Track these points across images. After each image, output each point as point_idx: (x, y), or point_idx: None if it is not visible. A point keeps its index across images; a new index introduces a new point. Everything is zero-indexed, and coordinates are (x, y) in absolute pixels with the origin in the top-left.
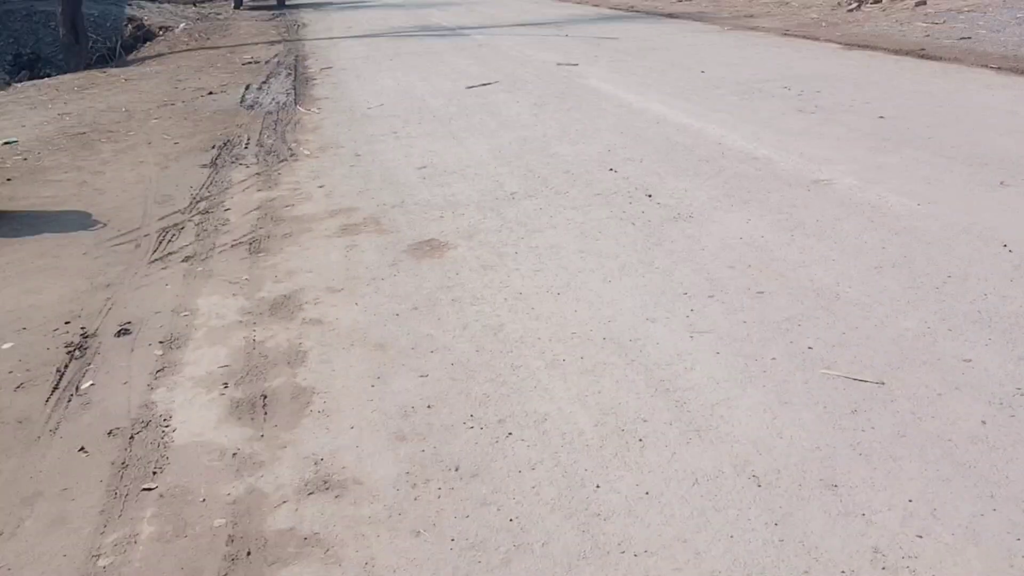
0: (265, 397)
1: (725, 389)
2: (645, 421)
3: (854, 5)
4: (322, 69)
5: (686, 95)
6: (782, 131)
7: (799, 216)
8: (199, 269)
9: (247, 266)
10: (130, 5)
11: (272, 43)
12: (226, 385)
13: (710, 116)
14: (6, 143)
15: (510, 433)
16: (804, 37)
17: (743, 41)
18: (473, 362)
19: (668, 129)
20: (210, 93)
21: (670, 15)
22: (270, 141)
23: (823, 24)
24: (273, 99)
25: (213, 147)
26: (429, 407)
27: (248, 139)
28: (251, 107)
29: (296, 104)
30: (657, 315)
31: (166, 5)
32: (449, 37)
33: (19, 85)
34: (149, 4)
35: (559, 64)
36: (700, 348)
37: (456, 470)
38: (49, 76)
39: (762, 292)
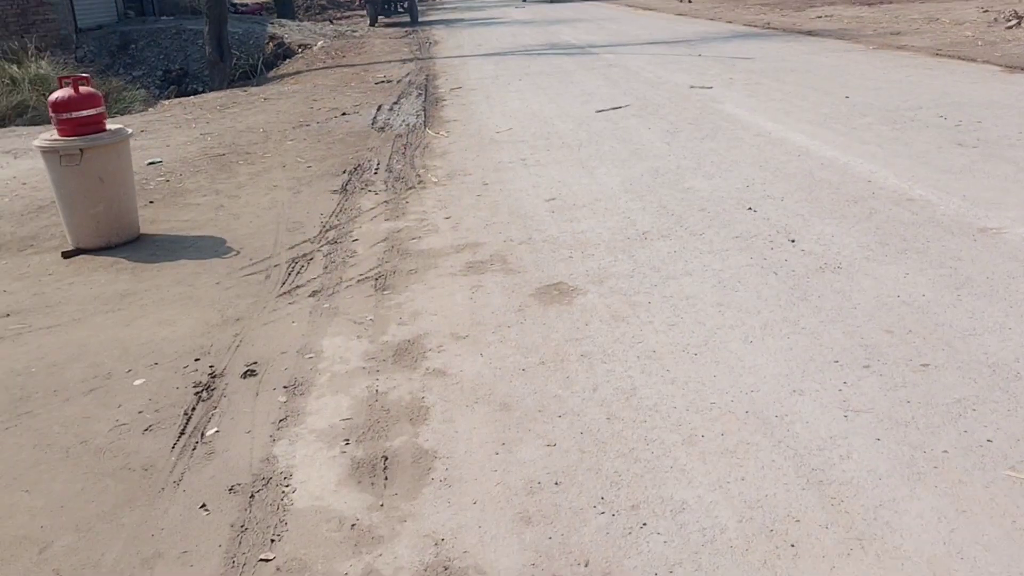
0: (386, 459)
1: (889, 487)
2: (797, 521)
3: (1014, 21)
4: (452, 89)
5: (830, 124)
6: (940, 168)
7: (965, 271)
8: (325, 306)
9: (372, 304)
10: (272, 24)
11: (404, 61)
12: (347, 441)
13: (857, 149)
14: (151, 163)
15: (644, 524)
16: (959, 58)
17: (890, 62)
18: (604, 432)
19: (811, 163)
20: (343, 114)
21: (809, 32)
22: (399, 166)
23: (979, 43)
24: (403, 121)
25: (344, 172)
26: (556, 484)
27: (377, 164)
28: (382, 129)
29: (425, 127)
30: (805, 386)
31: (306, 23)
32: (578, 56)
33: (165, 103)
34: (290, 23)
35: (692, 87)
36: (857, 431)
37: (585, 565)
38: (195, 91)
39: (926, 365)
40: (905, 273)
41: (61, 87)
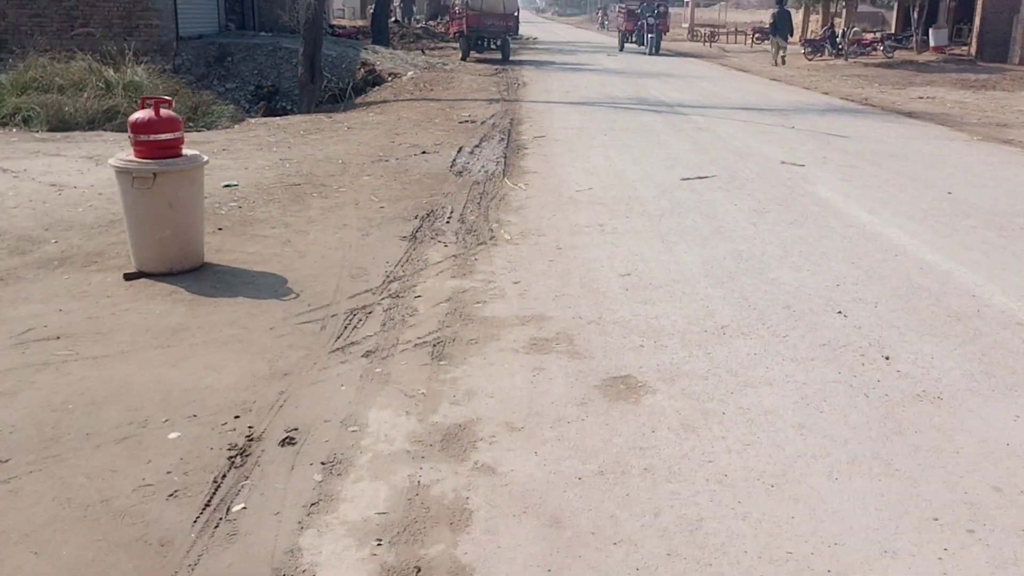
0: (419, 571)
1: None
2: None
3: None
4: (535, 137)
5: (930, 221)
6: None
7: None
8: (377, 370)
9: (426, 375)
10: (366, 49)
11: (491, 101)
12: (379, 542)
13: (960, 255)
14: (227, 186)
15: None
16: None
17: (996, 156)
18: (662, 571)
19: (908, 265)
20: (423, 152)
21: (909, 114)
22: (472, 217)
23: None
24: (483, 167)
25: (416, 216)
26: None
27: (451, 212)
28: (460, 173)
29: (504, 176)
30: (899, 547)
31: (399, 52)
32: (666, 114)
33: (252, 120)
34: (383, 50)
35: (783, 162)
36: None
37: None
38: (284, 109)
39: None
40: (1016, 415)
41: (143, 107)
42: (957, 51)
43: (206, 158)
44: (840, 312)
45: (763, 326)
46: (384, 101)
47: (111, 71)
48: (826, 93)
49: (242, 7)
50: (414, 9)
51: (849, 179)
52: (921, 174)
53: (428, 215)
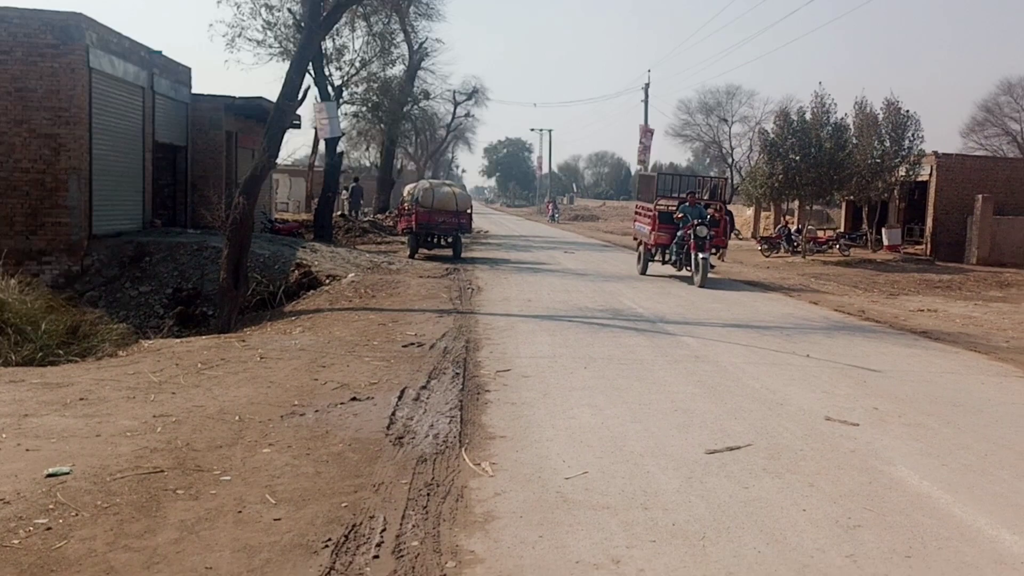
0: None
1: None
2: None
3: None
4: (498, 372)
5: None
6: None
7: None
8: None
9: None
10: (304, 248)
11: (441, 313)
12: None
13: None
14: (52, 475)
15: None
16: None
17: None
18: None
19: None
20: (353, 399)
21: (924, 333)
22: (414, 542)
23: None
24: (431, 425)
25: (326, 544)
26: None
27: (382, 530)
28: (400, 439)
29: (461, 444)
30: None
31: (340, 250)
32: (651, 335)
33: (146, 344)
34: (323, 247)
35: (829, 419)
36: None
37: None
38: (203, 315)
39: None
40: None
41: None
42: (911, 250)
43: None
44: None
45: None
46: (317, 310)
47: None
48: (815, 303)
49: (173, 203)
50: (361, 203)
51: (932, 451)
52: (1011, 437)
53: (346, 538)
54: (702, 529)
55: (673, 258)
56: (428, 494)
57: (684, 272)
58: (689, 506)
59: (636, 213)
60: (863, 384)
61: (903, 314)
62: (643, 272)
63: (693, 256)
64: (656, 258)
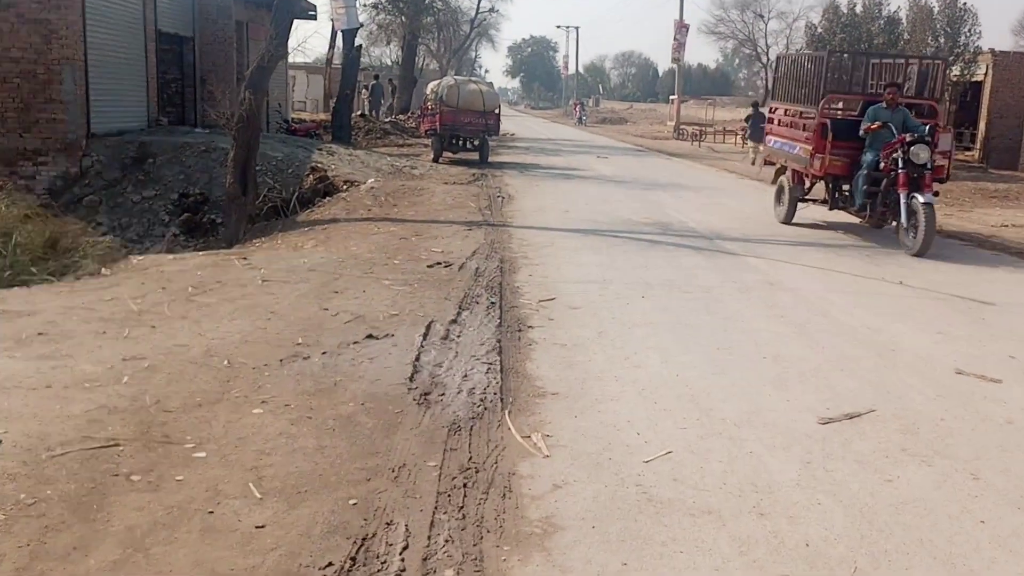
0: None
1: None
2: None
3: None
4: (540, 302)
5: None
6: None
7: None
8: None
9: None
10: (320, 150)
11: (470, 226)
12: None
13: None
14: None
15: None
16: None
17: None
18: None
19: None
20: (370, 336)
21: (1020, 253)
22: (447, 573)
23: None
24: (464, 376)
25: (324, 573)
26: None
27: (402, 558)
28: (424, 399)
29: (503, 407)
30: None
31: (359, 152)
32: (710, 254)
33: (136, 260)
34: (341, 150)
35: (959, 372)
36: None
37: None
38: (212, 223)
39: None
40: None
41: None
42: (960, 156)
43: None
44: None
45: None
46: (333, 220)
47: None
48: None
49: (182, 100)
50: (382, 102)
51: None
52: None
53: (353, 561)
54: (849, 554)
55: (860, 201)
56: (465, 484)
57: (875, 225)
58: (820, 512)
59: (769, 121)
60: (982, 322)
61: (985, 229)
62: (788, 219)
63: (903, 200)
64: (809, 197)
